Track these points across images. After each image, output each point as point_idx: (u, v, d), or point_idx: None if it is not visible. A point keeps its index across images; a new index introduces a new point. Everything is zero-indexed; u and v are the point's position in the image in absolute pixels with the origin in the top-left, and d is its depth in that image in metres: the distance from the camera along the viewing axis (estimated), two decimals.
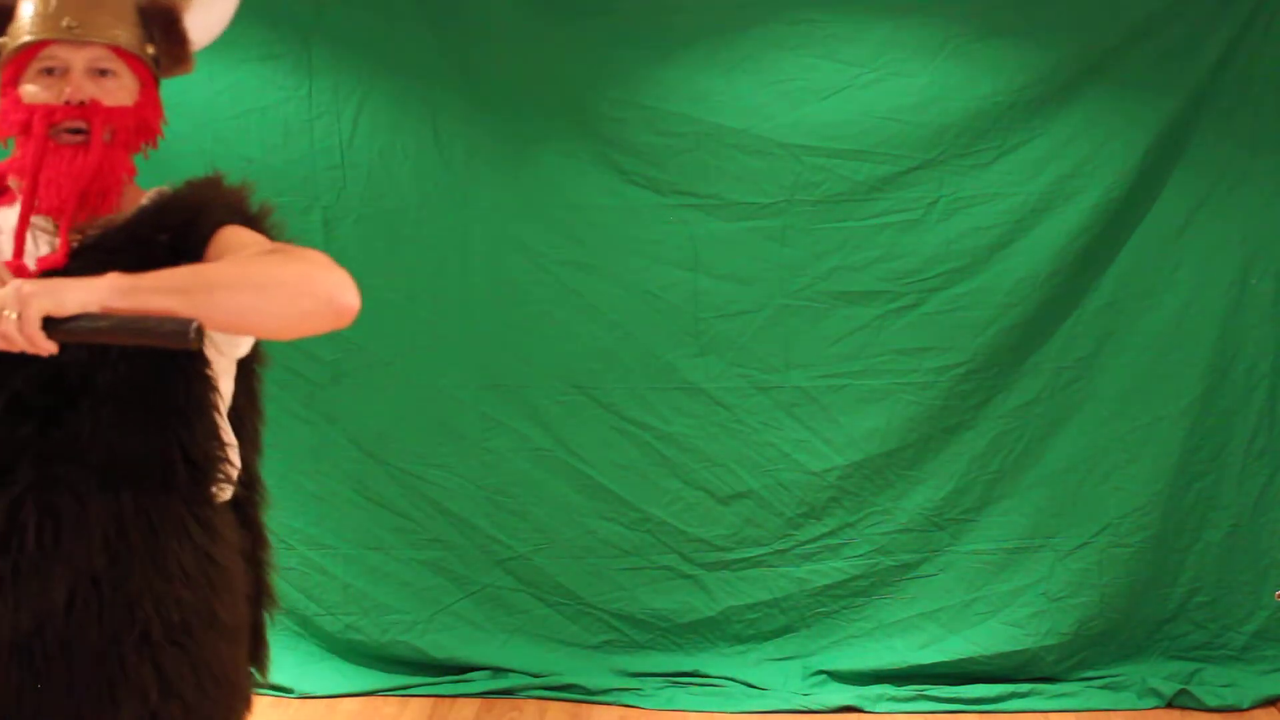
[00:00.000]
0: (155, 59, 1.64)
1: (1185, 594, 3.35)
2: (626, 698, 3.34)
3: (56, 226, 1.53)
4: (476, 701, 3.39)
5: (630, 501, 3.42)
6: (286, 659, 3.50)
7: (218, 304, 1.36)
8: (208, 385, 1.55)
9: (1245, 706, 3.22)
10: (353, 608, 3.51)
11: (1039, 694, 3.29)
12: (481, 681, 3.43)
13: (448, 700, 3.40)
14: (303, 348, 3.43)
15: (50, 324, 1.30)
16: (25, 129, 1.53)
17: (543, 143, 3.31)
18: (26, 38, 1.53)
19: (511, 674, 3.43)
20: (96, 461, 1.45)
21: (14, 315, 1.29)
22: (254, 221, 1.62)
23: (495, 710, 3.35)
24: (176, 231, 1.53)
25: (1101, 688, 3.30)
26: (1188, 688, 3.25)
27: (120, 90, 1.57)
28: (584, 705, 3.35)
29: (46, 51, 1.53)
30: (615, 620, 3.47)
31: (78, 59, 1.54)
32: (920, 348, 3.29)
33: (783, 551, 3.42)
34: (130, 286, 1.34)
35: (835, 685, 3.32)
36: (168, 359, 1.47)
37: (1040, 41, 3.19)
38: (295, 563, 3.51)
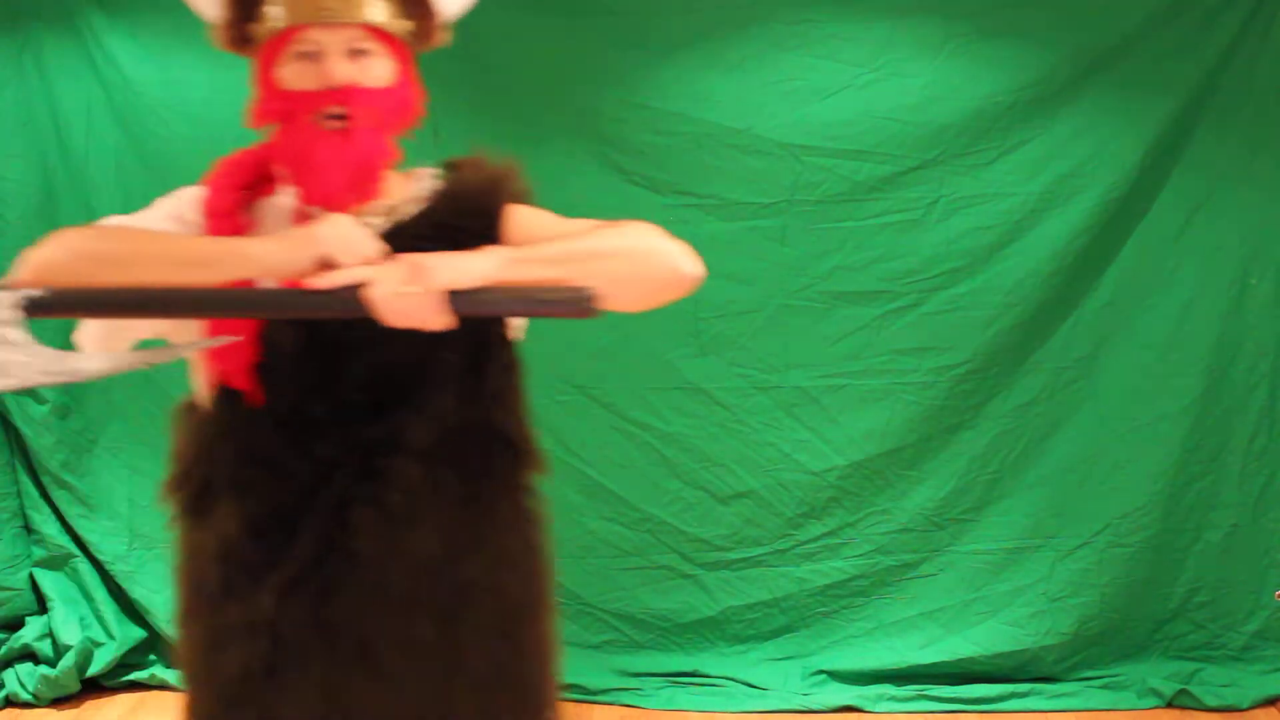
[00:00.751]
0: (410, 35, 1.55)
1: (1185, 594, 3.35)
2: (626, 698, 3.34)
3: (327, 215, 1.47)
4: None
5: (630, 501, 3.42)
6: None
7: (593, 274, 1.36)
8: (519, 370, 1.54)
9: (1245, 706, 3.22)
10: None
11: (1039, 694, 3.29)
12: None
13: None
14: None
15: (451, 298, 1.30)
16: (286, 117, 1.49)
17: (543, 143, 3.30)
18: (281, 22, 1.47)
19: None
20: (423, 453, 1.43)
21: (416, 289, 1.28)
22: (524, 198, 1.59)
23: None
24: (477, 215, 1.51)
25: (1101, 688, 3.30)
26: (1188, 688, 3.25)
27: (378, 71, 1.50)
28: (584, 705, 3.35)
29: (301, 35, 1.46)
30: (615, 620, 3.47)
31: (334, 41, 1.46)
32: (920, 348, 3.29)
33: (783, 551, 3.42)
34: (518, 258, 1.35)
35: (835, 685, 3.33)
36: (483, 346, 1.47)
37: (1040, 41, 3.19)
38: None
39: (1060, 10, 3.18)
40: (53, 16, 3.35)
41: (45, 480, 3.50)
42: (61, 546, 3.50)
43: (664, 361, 3.37)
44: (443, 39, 1.64)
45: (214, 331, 1.42)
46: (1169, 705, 3.25)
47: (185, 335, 1.49)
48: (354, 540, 1.42)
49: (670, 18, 3.28)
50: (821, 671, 3.34)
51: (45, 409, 3.43)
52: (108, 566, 3.50)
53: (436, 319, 1.30)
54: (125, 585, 3.50)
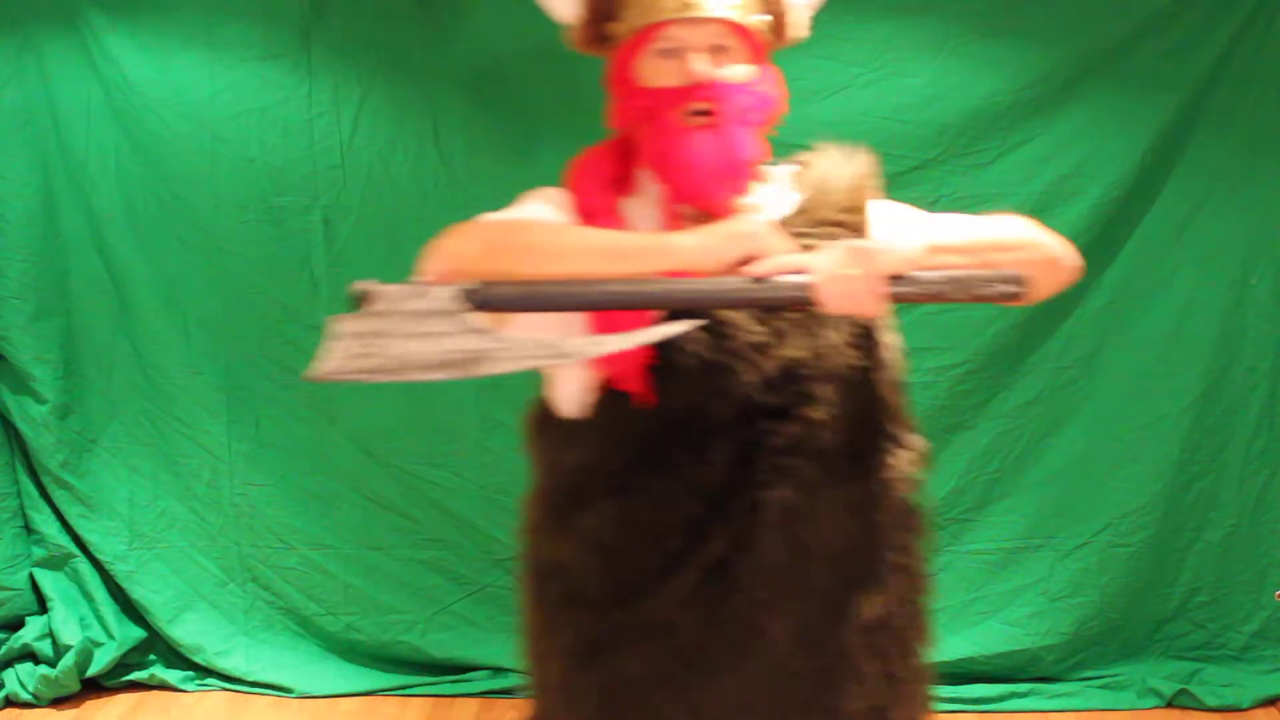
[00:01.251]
0: (768, 31, 1.54)
1: (1185, 594, 3.35)
2: None
3: (698, 214, 1.47)
4: (476, 701, 3.39)
5: None
6: (286, 659, 3.51)
7: (1003, 264, 1.35)
8: (890, 366, 1.52)
9: (1245, 706, 3.23)
10: (353, 608, 3.51)
11: (1039, 694, 3.29)
12: (481, 681, 3.43)
13: (448, 700, 3.40)
14: (303, 347, 3.43)
15: (891, 283, 1.29)
16: (650, 115, 1.47)
17: (543, 143, 3.30)
18: (643, 20, 1.47)
19: (511, 674, 3.43)
20: (825, 453, 1.43)
21: (859, 273, 1.27)
22: (880, 190, 1.57)
23: (495, 710, 3.35)
24: (850, 210, 1.49)
25: (1101, 688, 3.30)
26: (1188, 688, 3.25)
27: (738, 67, 1.49)
28: None
29: (663, 32, 1.46)
30: None
31: (696, 38, 1.46)
32: (920, 348, 3.28)
33: None
34: (937, 246, 1.34)
35: None
36: (874, 345, 1.46)
37: (1040, 41, 3.19)
38: (295, 563, 3.51)
39: (1060, 10, 3.18)
40: (53, 16, 3.35)
41: (45, 480, 3.50)
42: (61, 546, 3.50)
43: None
44: (798, 35, 1.62)
45: (608, 329, 1.38)
46: (1169, 705, 3.25)
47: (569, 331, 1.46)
48: (759, 542, 1.41)
49: None
50: None
51: (45, 409, 3.43)
52: (108, 566, 3.50)
53: (877, 304, 1.30)
54: (125, 585, 3.50)
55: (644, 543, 1.44)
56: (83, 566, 3.50)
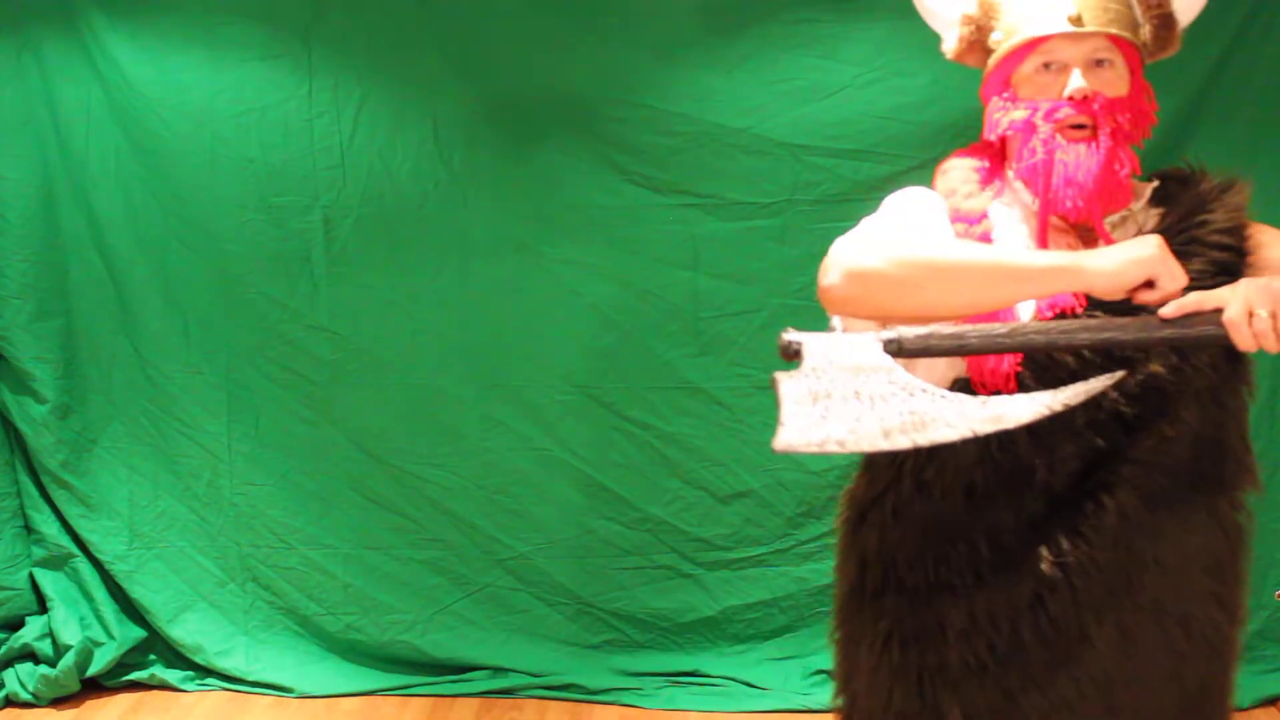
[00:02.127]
0: (1145, 43, 1.56)
1: None
2: (626, 698, 3.34)
3: (1072, 227, 1.52)
4: (476, 701, 3.39)
5: (630, 501, 3.42)
6: (286, 659, 3.50)
7: None
8: (1251, 388, 1.53)
9: (1245, 706, 3.22)
10: (353, 608, 3.51)
11: None
12: (481, 681, 3.43)
13: (448, 700, 3.40)
14: (303, 347, 3.43)
15: None
16: (1029, 127, 1.50)
17: (543, 143, 3.30)
18: (1026, 33, 1.50)
19: (511, 674, 3.43)
20: (1169, 466, 1.45)
21: (1265, 313, 1.27)
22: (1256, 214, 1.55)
23: (495, 710, 3.35)
24: (1227, 233, 1.47)
25: None
26: None
27: (1117, 80, 1.50)
28: (584, 705, 3.35)
29: (1045, 46, 1.49)
30: (615, 620, 3.47)
31: (1078, 52, 1.48)
32: None
33: (783, 551, 3.42)
34: None
35: None
36: (1232, 365, 1.47)
37: None
38: (295, 563, 3.51)
39: None
40: (53, 16, 3.35)
41: (45, 480, 3.50)
42: (61, 546, 3.50)
43: (664, 361, 3.37)
44: (1175, 47, 1.61)
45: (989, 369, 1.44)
46: None
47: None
48: (1096, 546, 1.44)
49: (670, 18, 3.28)
50: (822, 671, 3.33)
51: (45, 409, 3.43)
52: (108, 566, 3.50)
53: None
54: (125, 585, 3.50)
55: (983, 538, 1.47)
56: (83, 566, 3.50)
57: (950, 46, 1.66)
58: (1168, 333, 1.32)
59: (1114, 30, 1.49)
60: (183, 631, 3.50)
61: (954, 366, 1.49)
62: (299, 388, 3.45)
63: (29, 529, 3.53)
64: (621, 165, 3.31)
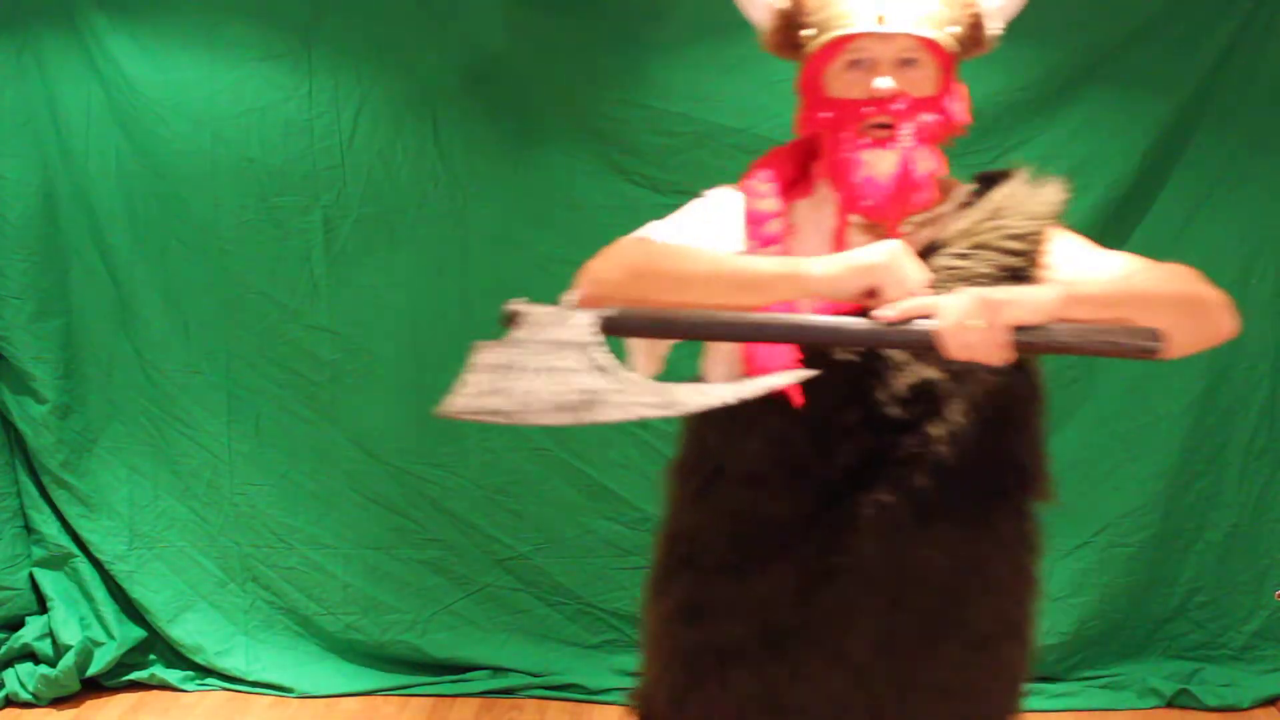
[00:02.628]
0: (958, 43, 1.54)
1: (1185, 594, 3.35)
2: (626, 698, 3.34)
3: (872, 226, 1.52)
4: (476, 701, 3.39)
5: (630, 501, 3.42)
6: (286, 659, 3.51)
7: (1149, 320, 1.34)
8: (1040, 394, 1.59)
9: (1245, 706, 3.23)
10: (353, 608, 3.51)
11: (1039, 694, 3.29)
12: (481, 681, 3.43)
13: (448, 700, 3.40)
14: (303, 347, 3.43)
15: (1017, 334, 1.30)
16: (833, 124, 1.50)
17: (543, 143, 3.30)
18: (834, 31, 1.49)
19: (511, 674, 3.44)
20: (941, 469, 1.46)
21: (983, 324, 1.29)
22: (1064, 221, 1.56)
23: (495, 710, 3.35)
24: (1020, 238, 1.49)
25: (1101, 687, 3.31)
26: (1188, 687, 3.25)
27: (924, 80, 1.49)
28: (584, 705, 3.35)
29: (853, 44, 1.49)
30: (615, 620, 3.47)
31: (885, 51, 1.48)
32: None
33: None
34: (1077, 297, 1.33)
35: None
36: (1016, 373, 1.47)
37: (1040, 41, 3.19)
38: (295, 563, 3.52)
39: (1060, 10, 3.18)
40: (53, 16, 3.35)
41: (45, 480, 3.50)
42: (61, 546, 3.50)
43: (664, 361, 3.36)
44: (986, 47, 1.61)
45: (756, 353, 1.47)
46: (1169, 705, 3.26)
47: (717, 352, 1.59)
48: (862, 543, 1.46)
49: (670, 18, 3.28)
50: None
51: (45, 409, 3.43)
52: (108, 566, 3.50)
53: (1000, 355, 1.31)
54: (125, 585, 3.50)
55: (762, 526, 1.51)
56: (83, 566, 3.50)
57: (763, 38, 1.63)
58: (878, 335, 1.33)
59: (922, 30, 1.47)
60: (183, 631, 3.50)
61: (734, 365, 1.54)
62: (299, 388, 3.45)
63: (29, 529, 3.53)
64: (621, 165, 3.31)
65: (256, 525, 3.51)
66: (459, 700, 3.40)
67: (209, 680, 3.49)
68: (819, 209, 1.56)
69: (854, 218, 1.52)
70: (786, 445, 1.49)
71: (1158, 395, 3.29)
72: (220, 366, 3.46)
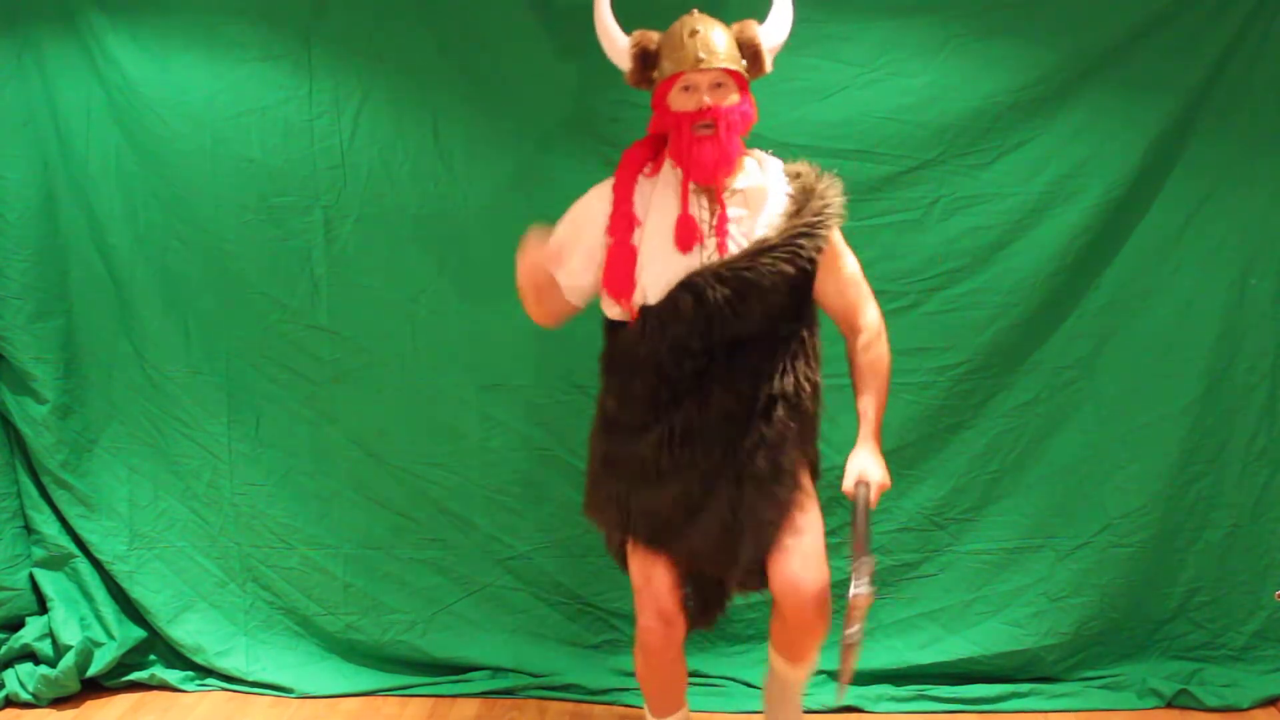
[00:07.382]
0: (745, 70, 2.51)
1: (1185, 594, 3.35)
2: (626, 698, 3.34)
3: (701, 190, 2.49)
4: (476, 701, 3.39)
5: None
6: (286, 659, 3.51)
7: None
8: (816, 339, 2.58)
9: (1245, 706, 3.22)
10: (353, 608, 3.51)
11: (1039, 694, 3.29)
12: (481, 681, 3.43)
13: (448, 700, 3.40)
14: (303, 347, 3.43)
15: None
16: (675, 127, 2.46)
17: (543, 143, 3.30)
18: (672, 69, 2.48)
19: (511, 674, 3.44)
20: (750, 370, 2.48)
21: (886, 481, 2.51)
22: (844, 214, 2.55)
23: (495, 710, 3.35)
24: (814, 238, 2.46)
25: (1101, 688, 3.30)
26: (1188, 688, 3.25)
27: (729, 95, 2.47)
28: (584, 705, 3.35)
29: (684, 78, 2.46)
30: (615, 620, 3.47)
31: (703, 80, 2.46)
32: (920, 348, 3.29)
33: None
34: (878, 434, 2.56)
35: (835, 685, 3.32)
36: (796, 329, 2.53)
37: (1040, 41, 3.19)
38: (295, 563, 3.52)
39: (1060, 10, 3.18)
40: (53, 16, 3.35)
41: (45, 480, 3.50)
42: (61, 546, 3.50)
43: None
44: (767, 69, 2.59)
45: (614, 282, 2.53)
46: (1169, 705, 3.25)
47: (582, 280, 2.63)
48: (708, 411, 2.48)
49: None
50: (821, 671, 3.32)
51: (45, 409, 3.43)
52: (108, 566, 3.50)
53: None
54: (125, 585, 3.50)
55: (639, 405, 2.53)
56: (83, 566, 3.51)
57: (627, 77, 2.60)
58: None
59: (725, 65, 2.46)
60: (183, 632, 3.50)
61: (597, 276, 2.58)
62: (299, 388, 3.45)
63: (29, 529, 3.53)
64: None
65: (256, 525, 3.51)
66: (459, 700, 3.40)
67: (209, 680, 3.50)
68: (668, 183, 2.52)
69: (693, 185, 2.48)
70: (651, 357, 2.48)
71: (1158, 395, 3.29)
72: (220, 366, 3.46)
